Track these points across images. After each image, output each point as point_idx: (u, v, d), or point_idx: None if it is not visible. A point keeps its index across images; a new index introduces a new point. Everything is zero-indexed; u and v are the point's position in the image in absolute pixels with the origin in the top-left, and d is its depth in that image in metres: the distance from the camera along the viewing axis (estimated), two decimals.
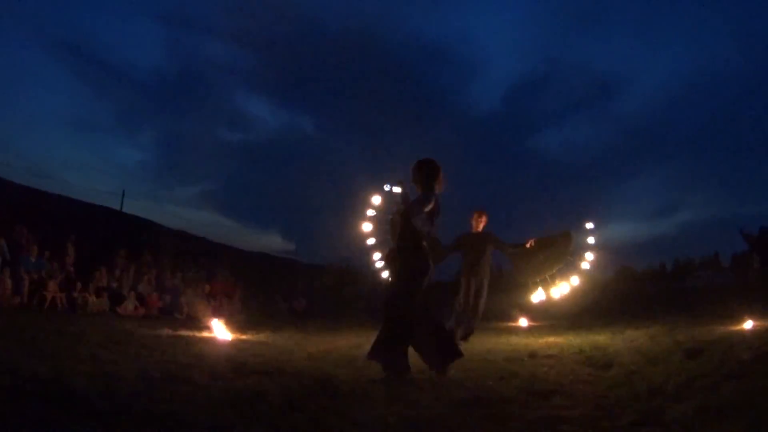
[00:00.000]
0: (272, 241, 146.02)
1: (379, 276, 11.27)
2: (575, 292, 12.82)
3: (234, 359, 8.72)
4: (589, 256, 12.65)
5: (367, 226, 10.59)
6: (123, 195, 40.05)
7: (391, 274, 10.28)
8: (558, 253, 12.43)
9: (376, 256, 11.19)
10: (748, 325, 11.20)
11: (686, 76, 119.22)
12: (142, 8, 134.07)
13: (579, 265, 12.50)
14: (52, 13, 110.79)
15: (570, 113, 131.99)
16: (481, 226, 12.96)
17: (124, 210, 39.91)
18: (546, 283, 12.49)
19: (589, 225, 12.81)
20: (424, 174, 7.95)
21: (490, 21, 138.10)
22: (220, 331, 12.50)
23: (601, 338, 11.83)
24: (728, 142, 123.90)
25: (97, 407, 4.83)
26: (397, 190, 8.74)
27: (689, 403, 5.37)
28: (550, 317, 20.42)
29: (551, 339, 12.33)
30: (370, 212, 10.38)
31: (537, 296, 12.67)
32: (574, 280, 12.52)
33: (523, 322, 18.41)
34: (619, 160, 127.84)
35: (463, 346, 9.72)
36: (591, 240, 12.73)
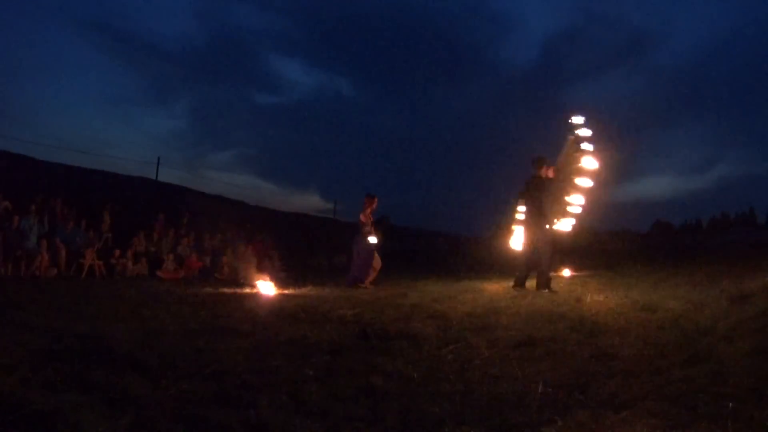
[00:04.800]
0: (311, 201, 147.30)
1: None
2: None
3: (278, 310, 8.73)
4: (587, 146, 12.64)
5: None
6: (158, 163, 40.00)
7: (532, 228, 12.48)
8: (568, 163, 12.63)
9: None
10: None
11: (724, 29, 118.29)
12: None
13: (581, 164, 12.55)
14: None
15: (606, 67, 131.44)
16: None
17: (160, 178, 39.95)
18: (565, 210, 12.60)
19: (577, 119, 12.73)
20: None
21: None
22: (262, 287, 12.50)
23: (645, 285, 11.70)
24: (765, 97, 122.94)
25: (139, 361, 4.85)
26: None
27: (741, 344, 5.32)
28: (591, 267, 20.30)
29: (595, 286, 12.22)
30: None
31: (566, 224, 12.68)
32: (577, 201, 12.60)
33: (566, 272, 18.29)
34: (656, 114, 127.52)
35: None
36: (582, 132, 12.67)
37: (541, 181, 12.51)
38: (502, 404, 3.84)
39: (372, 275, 15.08)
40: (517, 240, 13.63)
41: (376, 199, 15.68)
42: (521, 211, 13.19)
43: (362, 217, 15.32)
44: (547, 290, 11.33)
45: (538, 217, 12.28)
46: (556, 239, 12.70)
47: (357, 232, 15.52)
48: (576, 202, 12.58)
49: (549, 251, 12.17)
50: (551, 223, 12.43)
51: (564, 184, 12.69)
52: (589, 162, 12.47)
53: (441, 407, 3.76)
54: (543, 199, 12.36)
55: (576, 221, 12.88)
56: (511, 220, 13.96)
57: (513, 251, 13.96)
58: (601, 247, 27.12)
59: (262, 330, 6.73)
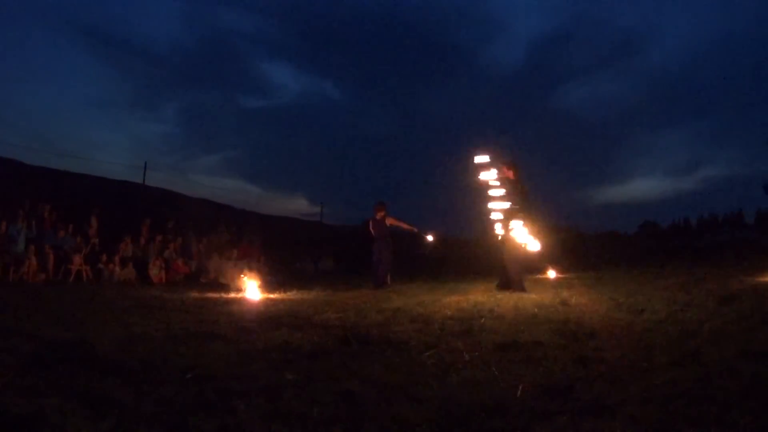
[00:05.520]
0: (298, 204, 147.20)
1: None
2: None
3: (262, 315, 8.72)
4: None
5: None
6: (145, 167, 39.88)
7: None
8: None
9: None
10: None
11: (711, 32, 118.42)
12: None
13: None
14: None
15: (593, 69, 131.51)
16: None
17: (147, 183, 39.84)
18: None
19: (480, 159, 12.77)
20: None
21: None
22: (247, 291, 12.51)
23: (631, 286, 11.73)
24: (753, 99, 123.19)
25: (122, 365, 4.84)
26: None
27: (726, 346, 5.30)
28: (577, 269, 20.35)
29: (580, 288, 12.25)
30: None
31: (533, 246, 12.82)
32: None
33: (551, 273, 18.38)
34: (643, 115, 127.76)
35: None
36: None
37: (518, 187, 12.63)
38: (481, 409, 3.80)
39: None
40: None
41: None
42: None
43: (388, 222, 16.71)
44: (521, 291, 11.44)
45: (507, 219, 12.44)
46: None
47: (379, 237, 16.60)
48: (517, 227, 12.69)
49: (520, 255, 12.31)
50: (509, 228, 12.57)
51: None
52: (498, 204, 12.63)
53: (419, 412, 3.71)
54: (522, 208, 12.49)
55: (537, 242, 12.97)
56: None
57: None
58: (587, 248, 27.15)
59: (245, 335, 6.70)
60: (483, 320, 7.49)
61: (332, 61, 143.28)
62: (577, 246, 21.75)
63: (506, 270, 12.32)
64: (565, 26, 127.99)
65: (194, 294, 13.40)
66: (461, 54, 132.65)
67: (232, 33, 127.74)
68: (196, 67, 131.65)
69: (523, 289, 11.78)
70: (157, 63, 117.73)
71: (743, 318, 6.61)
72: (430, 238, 17.45)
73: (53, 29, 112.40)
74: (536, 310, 8.42)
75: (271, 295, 12.51)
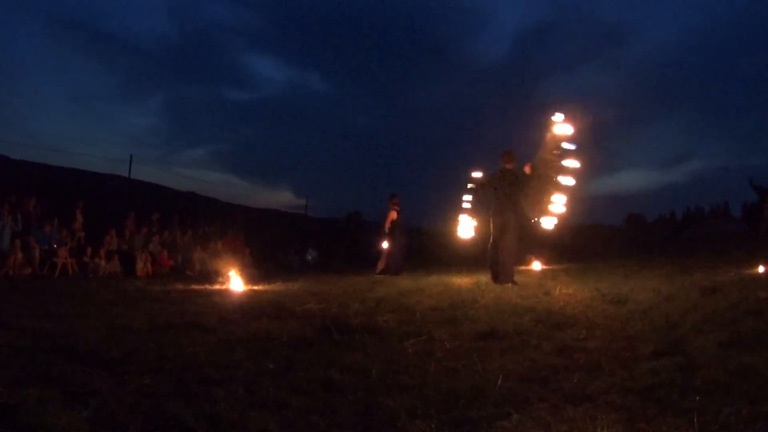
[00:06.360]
0: (283, 197, 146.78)
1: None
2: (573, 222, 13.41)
3: (245, 306, 8.68)
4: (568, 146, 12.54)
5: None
6: (131, 161, 39.65)
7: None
8: (546, 162, 12.58)
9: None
10: (761, 269, 11.08)
11: (698, 24, 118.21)
12: None
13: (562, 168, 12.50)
14: None
15: (579, 61, 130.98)
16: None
17: (133, 176, 39.59)
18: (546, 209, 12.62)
19: (557, 116, 12.61)
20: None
21: None
22: (232, 283, 12.47)
23: (615, 277, 11.74)
24: (739, 92, 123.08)
25: (103, 356, 4.83)
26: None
27: (710, 336, 5.30)
28: (563, 260, 20.37)
29: (565, 279, 12.24)
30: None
31: (548, 222, 12.69)
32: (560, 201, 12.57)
33: (536, 265, 18.36)
34: (629, 108, 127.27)
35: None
36: (562, 130, 12.55)
37: (512, 174, 12.46)
38: (460, 398, 3.78)
39: (385, 265, 17.65)
40: (465, 229, 13.99)
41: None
42: (467, 200, 13.71)
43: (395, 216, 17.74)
44: (510, 283, 11.35)
45: (509, 210, 12.23)
46: (527, 234, 12.81)
47: (393, 229, 17.69)
48: (558, 201, 12.52)
49: (515, 245, 12.19)
50: (529, 220, 12.52)
51: (542, 181, 12.63)
52: (570, 161, 12.38)
53: (397, 401, 3.70)
54: (517, 194, 12.33)
55: (558, 219, 12.84)
56: (458, 210, 14.20)
57: (461, 240, 14.36)
58: (573, 240, 27.13)
59: (227, 325, 6.67)
60: (466, 310, 7.47)
61: (318, 54, 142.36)
62: (564, 237, 21.70)
63: (501, 261, 12.24)
64: (550, 18, 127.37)
65: (179, 286, 13.32)
66: (447, 46, 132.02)
67: (218, 26, 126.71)
68: (182, 59, 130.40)
69: (514, 282, 11.65)
70: (141, 56, 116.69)
71: (727, 309, 6.59)
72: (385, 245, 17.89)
73: (37, 22, 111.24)
74: (519, 300, 8.41)
75: (255, 287, 12.46)
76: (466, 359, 4.86)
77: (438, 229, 25.95)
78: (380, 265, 17.76)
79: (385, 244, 17.69)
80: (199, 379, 4.19)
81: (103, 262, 18.99)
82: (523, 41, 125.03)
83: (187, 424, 3.29)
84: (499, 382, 4.09)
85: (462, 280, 12.68)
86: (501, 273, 11.88)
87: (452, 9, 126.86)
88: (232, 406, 3.59)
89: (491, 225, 12.55)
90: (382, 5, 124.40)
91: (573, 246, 25.75)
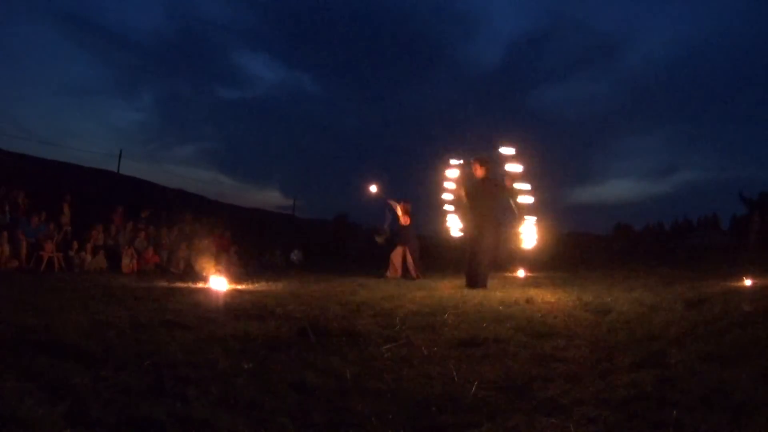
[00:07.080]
0: (272, 197, 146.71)
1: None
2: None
3: (227, 305, 8.66)
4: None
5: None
6: (120, 156, 39.68)
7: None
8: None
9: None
10: (748, 282, 11.09)
11: (689, 36, 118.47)
12: None
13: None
14: None
15: (571, 71, 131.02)
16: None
17: (122, 171, 39.56)
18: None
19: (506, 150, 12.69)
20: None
21: None
22: (216, 282, 12.44)
23: (600, 287, 11.71)
24: (730, 104, 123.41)
25: (83, 351, 4.83)
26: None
27: (692, 349, 5.28)
28: (547, 269, 20.39)
29: (548, 287, 12.24)
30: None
31: (528, 241, 12.83)
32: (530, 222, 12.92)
33: (520, 273, 18.37)
34: (620, 118, 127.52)
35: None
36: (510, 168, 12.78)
37: (491, 185, 12.59)
38: (433, 405, 3.76)
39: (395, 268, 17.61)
40: (454, 229, 14.15)
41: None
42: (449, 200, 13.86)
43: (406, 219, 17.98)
44: (483, 288, 11.45)
45: (487, 220, 12.35)
46: (506, 243, 12.97)
47: (405, 233, 17.86)
48: (529, 222, 12.83)
49: (491, 253, 12.28)
50: (514, 227, 12.63)
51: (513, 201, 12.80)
52: (521, 184, 12.65)
53: (369, 406, 3.68)
54: (493, 206, 12.47)
55: (535, 237, 12.97)
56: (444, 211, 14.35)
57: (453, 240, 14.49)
58: (559, 248, 27.17)
59: (206, 324, 6.65)
60: (446, 316, 7.46)
61: (311, 55, 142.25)
62: (549, 246, 21.72)
63: (476, 266, 12.27)
64: (544, 27, 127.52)
65: (163, 283, 13.31)
66: (439, 50, 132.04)
67: (211, 23, 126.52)
68: (174, 56, 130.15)
69: (485, 286, 11.86)
70: (134, 51, 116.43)
71: (710, 321, 6.57)
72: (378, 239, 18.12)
73: (30, 14, 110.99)
74: (501, 307, 8.37)
75: (238, 286, 12.44)
76: (442, 366, 4.84)
77: (428, 232, 25.92)
78: (393, 272, 17.55)
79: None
80: (175, 377, 4.19)
81: (89, 257, 18.95)
82: (517, 48, 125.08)
83: (158, 421, 3.29)
84: (473, 390, 4.07)
85: (445, 285, 12.69)
86: (478, 278, 11.96)
87: (446, 13, 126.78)
88: (203, 405, 3.59)
89: (469, 231, 12.67)
90: (376, 8, 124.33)
91: (559, 254, 25.72)
